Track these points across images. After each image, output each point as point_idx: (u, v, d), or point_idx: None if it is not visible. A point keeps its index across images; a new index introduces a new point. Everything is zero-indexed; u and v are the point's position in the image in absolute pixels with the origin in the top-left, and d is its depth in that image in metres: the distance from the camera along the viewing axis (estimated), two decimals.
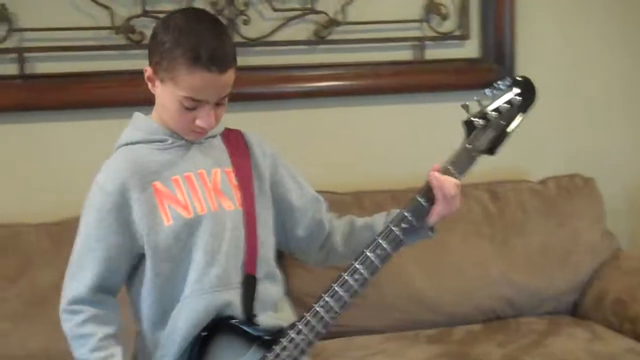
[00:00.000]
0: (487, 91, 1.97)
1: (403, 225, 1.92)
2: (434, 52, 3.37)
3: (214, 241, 1.86)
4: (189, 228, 1.85)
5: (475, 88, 3.42)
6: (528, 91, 1.98)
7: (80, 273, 1.85)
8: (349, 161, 3.26)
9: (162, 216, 1.84)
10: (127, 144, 1.91)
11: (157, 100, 1.88)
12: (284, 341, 1.86)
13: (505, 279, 3.03)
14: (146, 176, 1.85)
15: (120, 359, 1.83)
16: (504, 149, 3.19)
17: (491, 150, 1.97)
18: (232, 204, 1.90)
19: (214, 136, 1.95)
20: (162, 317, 1.87)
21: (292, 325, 1.88)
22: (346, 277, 1.91)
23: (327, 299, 1.90)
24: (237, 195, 1.91)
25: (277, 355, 1.86)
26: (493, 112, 1.95)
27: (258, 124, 3.22)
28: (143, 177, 1.85)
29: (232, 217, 1.89)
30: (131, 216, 1.84)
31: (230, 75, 1.82)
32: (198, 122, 1.83)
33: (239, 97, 3.21)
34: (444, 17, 3.35)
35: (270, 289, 1.94)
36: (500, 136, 1.96)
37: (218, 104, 1.84)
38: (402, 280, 2.95)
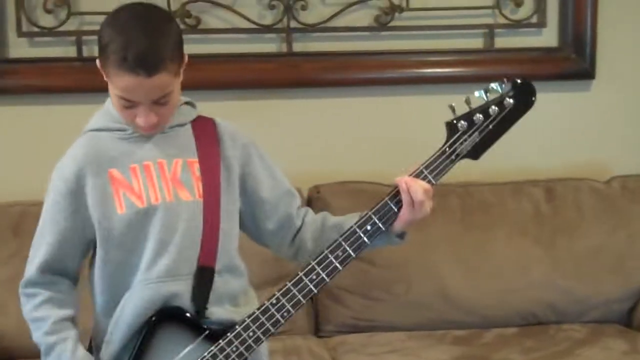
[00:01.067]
0: (478, 93, 1.87)
1: (368, 227, 1.86)
2: (505, 41, 3.22)
3: (166, 231, 1.85)
4: (142, 217, 1.85)
5: (553, 79, 3.32)
6: (525, 96, 1.87)
7: (34, 256, 1.89)
8: (408, 152, 3.16)
9: (115, 204, 1.85)
10: (91, 130, 1.92)
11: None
12: (230, 335, 1.84)
13: (549, 282, 2.87)
14: (104, 163, 1.86)
15: (72, 343, 1.85)
16: (588, 143, 3.03)
17: (474, 155, 1.87)
18: (190, 195, 1.88)
19: (181, 125, 1.94)
20: (112, 304, 1.88)
21: (242, 321, 1.85)
22: (302, 276, 1.85)
23: (279, 296, 1.86)
24: (198, 186, 1.89)
25: (222, 349, 1.83)
26: (480, 115, 1.85)
27: (317, 111, 3.27)
28: (100, 164, 1.86)
29: (189, 208, 1.87)
30: (85, 202, 1.85)
31: (162, 79, 1.76)
32: (137, 120, 1.83)
33: (295, 83, 3.26)
34: (518, 4, 3.19)
35: (230, 282, 1.91)
36: (486, 141, 1.86)
37: (160, 103, 1.81)
38: (434, 278, 2.85)
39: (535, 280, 2.87)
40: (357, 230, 1.86)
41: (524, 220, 2.94)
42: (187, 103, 1.96)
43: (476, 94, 1.87)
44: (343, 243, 1.86)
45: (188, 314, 1.85)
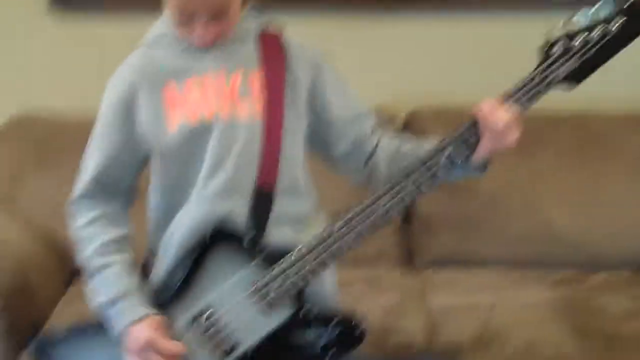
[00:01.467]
0: (580, 14, 1.63)
1: (441, 160, 1.68)
2: None
3: (222, 149, 1.72)
4: (196, 135, 1.72)
5: None
6: (636, 19, 1.61)
7: (85, 171, 1.80)
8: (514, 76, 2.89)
9: (168, 121, 1.73)
10: (147, 43, 1.80)
11: None
12: (287, 260, 1.70)
13: None
14: (158, 78, 1.75)
15: (117, 269, 1.74)
16: None
17: (570, 83, 1.65)
18: (249, 111, 1.74)
19: (243, 38, 1.78)
20: (165, 221, 1.77)
21: (301, 246, 1.71)
22: (368, 204, 1.69)
23: (342, 223, 1.69)
24: (258, 102, 1.75)
25: (274, 278, 1.70)
26: (579, 39, 1.62)
27: (416, 30, 2.94)
28: (154, 79, 1.75)
29: (247, 124, 1.73)
30: (138, 117, 1.75)
31: None
32: (194, 35, 1.70)
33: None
34: None
35: (292, 205, 1.77)
36: (585, 68, 1.64)
37: (218, 18, 1.68)
38: (540, 211, 2.61)
39: None
40: (428, 162, 1.68)
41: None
42: (252, 10, 1.80)
43: (578, 15, 1.64)
44: (412, 175, 1.69)
45: (243, 235, 1.72)
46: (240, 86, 1.74)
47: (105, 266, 1.74)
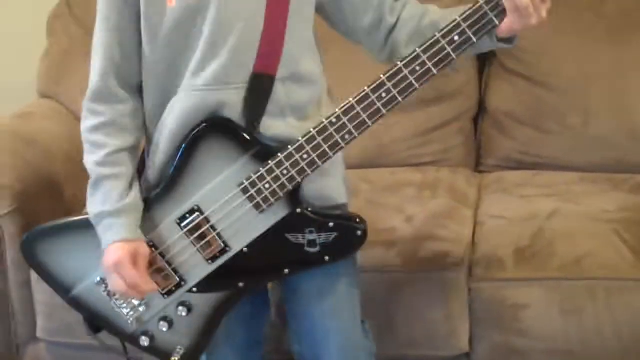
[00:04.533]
0: None
1: (455, 37, 1.48)
2: None
3: (219, 31, 1.55)
4: (193, 12, 1.55)
5: None
6: None
7: (94, 64, 1.65)
8: None
9: None
10: None
11: None
12: (281, 155, 1.54)
13: None
14: None
15: (125, 182, 1.61)
16: None
17: None
18: None
19: None
20: (159, 110, 1.63)
21: (296, 141, 1.54)
22: (369, 92, 1.51)
23: (340, 114, 1.52)
24: None
25: (271, 170, 1.55)
26: None
27: None
28: None
29: (249, 3, 1.56)
30: None
31: None
32: None
33: None
34: None
35: (296, 92, 1.59)
36: None
37: None
38: (621, 110, 2.32)
39: None
40: (441, 40, 1.48)
41: None
42: None
43: None
44: (422, 55, 1.49)
45: (237, 126, 1.56)
46: None
47: (107, 177, 1.62)
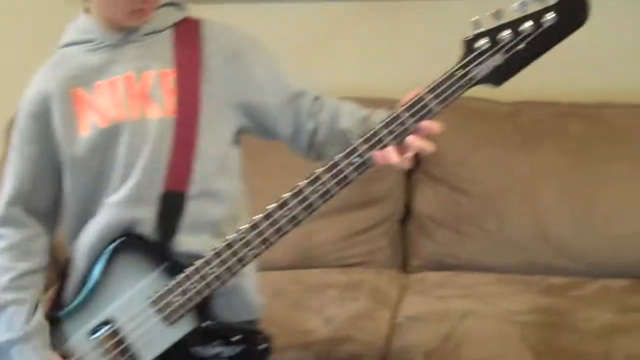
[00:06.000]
0: (516, 5, 1.49)
1: (353, 159, 1.56)
2: None
3: (132, 153, 1.67)
4: (106, 138, 1.68)
5: None
6: (573, 11, 1.48)
7: (3, 191, 1.77)
8: None
9: (79, 126, 1.69)
10: (62, 46, 1.77)
11: None
12: (190, 269, 1.64)
13: None
14: (69, 82, 1.71)
15: (29, 306, 1.69)
16: None
17: (496, 80, 1.52)
18: (160, 111, 1.68)
19: (158, 31, 1.73)
20: (78, 228, 1.74)
21: (205, 255, 1.64)
22: (273, 210, 1.60)
23: (247, 229, 1.62)
24: (170, 100, 1.68)
25: (179, 284, 1.64)
26: (508, 32, 1.49)
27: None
28: (66, 84, 1.71)
29: (158, 126, 1.67)
30: (51, 126, 1.71)
31: None
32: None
33: None
34: None
35: (209, 209, 1.71)
36: (513, 64, 1.50)
37: None
38: (534, 214, 2.44)
39: None
40: (339, 162, 1.56)
41: None
42: (169, 4, 1.74)
43: (514, 5, 1.50)
44: (323, 176, 1.58)
45: (148, 242, 1.67)
46: (152, 85, 1.69)
47: (10, 303, 1.70)
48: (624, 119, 2.52)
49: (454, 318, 2.18)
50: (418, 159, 2.54)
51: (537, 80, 2.62)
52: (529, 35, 1.49)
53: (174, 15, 1.74)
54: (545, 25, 1.48)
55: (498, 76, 1.51)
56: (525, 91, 2.61)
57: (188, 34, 1.74)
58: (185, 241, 1.68)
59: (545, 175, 2.47)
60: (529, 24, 1.48)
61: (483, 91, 2.53)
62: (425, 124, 1.52)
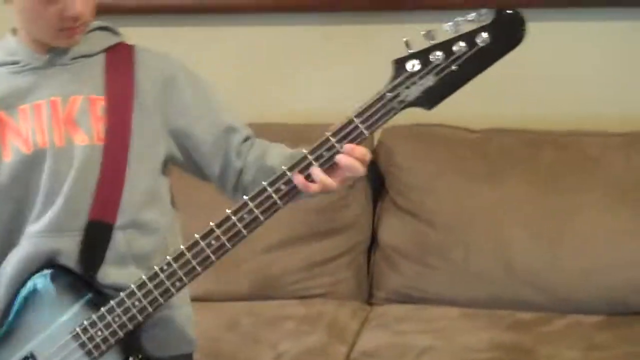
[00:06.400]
0: (448, 25, 1.43)
1: (281, 186, 1.50)
2: None
3: (55, 180, 1.60)
4: (29, 165, 1.61)
5: None
6: (508, 30, 1.41)
7: None
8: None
9: (2, 151, 1.62)
10: None
11: (15, 11, 1.62)
12: (113, 302, 1.56)
13: None
14: None
15: None
16: None
17: (427, 103, 1.45)
18: (87, 138, 1.61)
19: (88, 55, 1.66)
20: (0, 261, 1.66)
21: (128, 287, 1.56)
22: (199, 239, 1.53)
23: (171, 261, 1.55)
24: (98, 127, 1.61)
25: (102, 317, 1.56)
26: (439, 53, 1.42)
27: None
28: None
29: (83, 153, 1.60)
30: None
31: None
32: (67, 12, 1.54)
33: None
34: None
35: (138, 241, 1.62)
36: (444, 86, 1.43)
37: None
38: (499, 246, 2.35)
39: (630, 259, 2.29)
40: (268, 188, 1.51)
41: (627, 183, 2.34)
42: (100, 28, 1.68)
43: (445, 26, 1.43)
44: (249, 203, 1.51)
45: (70, 274, 1.59)
46: (79, 111, 1.62)
47: None
48: (595, 147, 2.44)
49: (410, 355, 2.10)
50: (385, 186, 2.51)
51: (507, 108, 2.61)
52: (461, 56, 1.42)
53: (106, 40, 1.68)
54: (479, 46, 1.41)
55: (430, 98, 1.45)
56: (495, 118, 2.57)
57: (121, 60, 1.67)
58: (111, 273, 1.61)
59: (513, 206, 2.39)
60: (462, 44, 1.41)
61: (452, 118, 2.53)
62: (350, 145, 1.46)
